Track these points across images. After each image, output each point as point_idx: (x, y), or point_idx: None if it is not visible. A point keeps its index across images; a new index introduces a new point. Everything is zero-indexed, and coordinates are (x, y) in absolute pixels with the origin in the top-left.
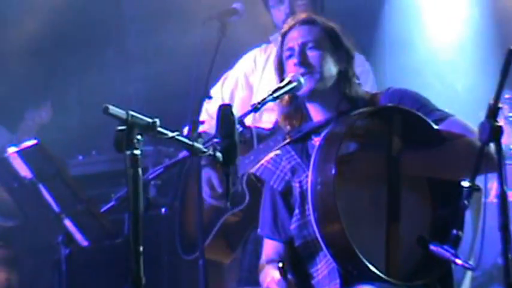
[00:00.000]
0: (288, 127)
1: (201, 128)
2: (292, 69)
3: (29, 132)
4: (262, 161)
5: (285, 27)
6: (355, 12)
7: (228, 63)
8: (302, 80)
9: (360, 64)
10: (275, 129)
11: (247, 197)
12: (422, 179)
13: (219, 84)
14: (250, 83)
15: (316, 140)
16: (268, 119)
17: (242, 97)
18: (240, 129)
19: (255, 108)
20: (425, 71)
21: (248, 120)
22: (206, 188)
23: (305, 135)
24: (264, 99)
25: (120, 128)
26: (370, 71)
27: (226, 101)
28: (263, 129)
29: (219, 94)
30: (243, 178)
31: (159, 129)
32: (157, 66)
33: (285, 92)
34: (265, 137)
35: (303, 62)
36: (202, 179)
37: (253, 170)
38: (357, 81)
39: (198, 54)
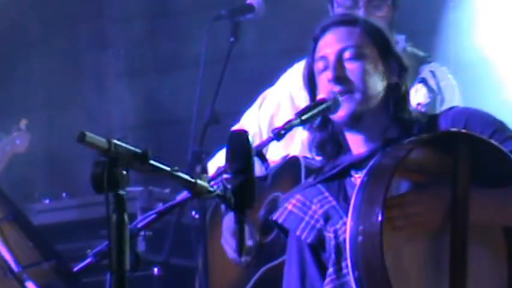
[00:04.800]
0: (325, 157)
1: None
2: (325, 87)
3: None
4: (286, 204)
5: (317, 29)
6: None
7: (246, 77)
8: (339, 99)
9: (443, 77)
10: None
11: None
12: (496, 228)
13: (254, 107)
14: (296, 105)
15: (357, 177)
16: None
17: None
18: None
19: (278, 135)
20: (499, 89)
21: (296, 150)
22: (230, 239)
23: (342, 170)
24: (289, 122)
25: (99, 161)
26: (456, 87)
27: (264, 130)
28: (314, 160)
29: (255, 120)
30: None
31: (151, 162)
32: (148, 82)
33: (315, 115)
34: (316, 170)
35: (340, 77)
36: (224, 227)
37: (274, 216)
38: (410, 100)
39: (203, 65)
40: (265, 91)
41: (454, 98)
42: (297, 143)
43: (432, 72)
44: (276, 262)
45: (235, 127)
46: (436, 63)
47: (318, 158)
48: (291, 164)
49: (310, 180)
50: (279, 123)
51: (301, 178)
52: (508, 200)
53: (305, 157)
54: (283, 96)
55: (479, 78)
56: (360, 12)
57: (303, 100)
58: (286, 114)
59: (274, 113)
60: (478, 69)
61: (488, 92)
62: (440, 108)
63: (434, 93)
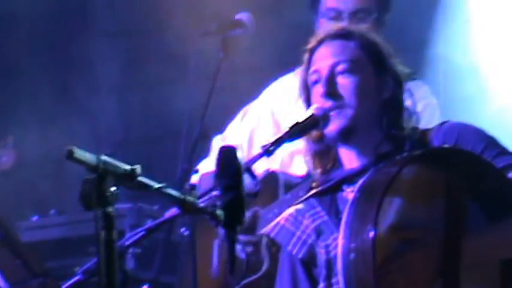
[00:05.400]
0: (319, 170)
1: (195, 178)
2: (317, 100)
3: None
4: (279, 219)
5: (313, 41)
6: (402, 30)
7: (235, 93)
8: (328, 115)
9: (424, 96)
10: (309, 176)
11: (266, 264)
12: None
13: (236, 120)
14: (277, 119)
15: (349, 192)
16: (300, 163)
17: (265, 138)
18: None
19: (268, 151)
20: (491, 105)
21: (275, 165)
22: (215, 258)
23: (334, 185)
24: (279, 138)
25: (88, 178)
26: (437, 106)
27: (244, 143)
28: (293, 176)
29: (236, 134)
30: (263, 238)
31: (140, 179)
32: (137, 97)
33: (304, 131)
34: (296, 186)
35: (331, 92)
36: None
37: (267, 230)
38: (403, 115)
39: (192, 81)
40: (248, 105)
41: (433, 118)
42: (277, 159)
43: (409, 91)
44: (253, 277)
45: (217, 138)
46: (419, 81)
47: (298, 172)
48: (270, 179)
49: (288, 196)
50: (258, 137)
51: (280, 193)
52: (508, 235)
53: (284, 173)
54: (264, 111)
55: (469, 92)
56: (345, 24)
57: (284, 115)
58: (266, 129)
59: (255, 128)
60: (468, 83)
61: (478, 105)
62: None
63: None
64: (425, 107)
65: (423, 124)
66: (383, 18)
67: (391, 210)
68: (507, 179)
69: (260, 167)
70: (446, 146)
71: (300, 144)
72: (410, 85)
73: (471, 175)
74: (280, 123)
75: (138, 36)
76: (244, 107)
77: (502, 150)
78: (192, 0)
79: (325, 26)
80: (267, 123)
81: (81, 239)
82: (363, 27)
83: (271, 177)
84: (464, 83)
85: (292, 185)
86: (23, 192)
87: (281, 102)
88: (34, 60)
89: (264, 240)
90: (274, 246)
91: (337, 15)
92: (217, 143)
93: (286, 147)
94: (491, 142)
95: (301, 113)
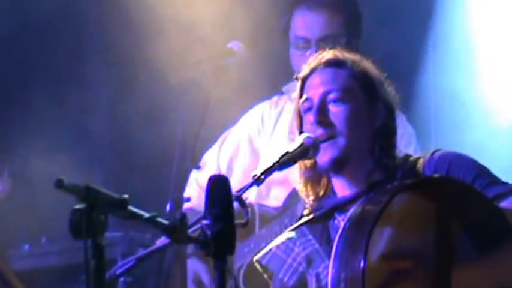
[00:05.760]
0: (311, 197)
1: (186, 205)
2: (309, 128)
3: None
4: (271, 246)
5: (305, 69)
6: (393, 58)
7: (224, 121)
8: (318, 145)
9: (401, 125)
10: (285, 208)
11: None
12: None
13: (215, 147)
14: (255, 147)
15: (341, 220)
16: (277, 195)
17: (244, 167)
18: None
19: (258, 180)
20: (481, 131)
21: (251, 196)
22: (192, 286)
23: (326, 213)
24: (269, 168)
25: (78, 207)
26: (414, 135)
27: (223, 171)
28: (269, 207)
29: (215, 161)
30: (239, 272)
31: (131, 208)
32: (128, 128)
33: (294, 160)
34: (272, 218)
35: (322, 120)
36: (188, 274)
37: (259, 257)
38: (396, 143)
39: (183, 109)
40: (226, 131)
41: (410, 147)
42: (254, 190)
43: None
44: None
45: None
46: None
47: (275, 203)
48: None
49: (263, 232)
50: (237, 166)
51: (256, 226)
52: (498, 266)
53: (260, 204)
54: (242, 138)
55: (460, 118)
56: (312, 51)
57: (261, 143)
58: (244, 157)
59: (233, 155)
60: (460, 109)
61: (468, 132)
62: None
63: None
64: (402, 136)
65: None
66: (353, 43)
67: (382, 239)
68: (498, 209)
69: None
70: (437, 175)
71: (276, 175)
72: None
73: (462, 205)
74: (258, 151)
75: (130, 64)
76: (222, 135)
77: (492, 180)
78: (184, 30)
79: (296, 56)
80: (245, 152)
81: (73, 267)
82: (355, 56)
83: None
84: (456, 109)
85: (268, 217)
86: (14, 221)
87: (258, 129)
88: (25, 89)
89: (242, 273)
90: (266, 273)
91: (305, 43)
92: (194, 174)
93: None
94: (482, 172)
95: (293, 142)
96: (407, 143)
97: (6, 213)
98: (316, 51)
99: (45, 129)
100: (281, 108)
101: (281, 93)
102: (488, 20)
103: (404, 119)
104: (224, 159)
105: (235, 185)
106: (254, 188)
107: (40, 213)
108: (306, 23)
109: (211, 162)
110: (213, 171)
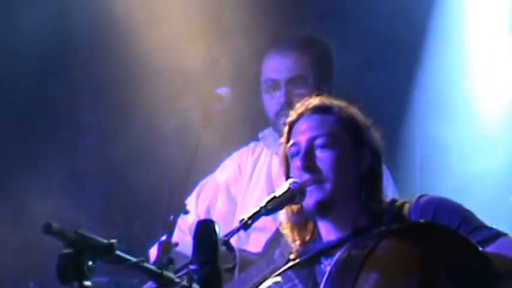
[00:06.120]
0: (297, 242)
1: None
2: (296, 173)
3: None
4: None
5: (293, 114)
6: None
7: (212, 166)
8: (305, 189)
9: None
10: (264, 253)
11: None
12: None
13: (194, 194)
14: (232, 195)
15: (327, 265)
16: (257, 240)
17: (222, 214)
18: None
19: (245, 225)
20: (465, 177)
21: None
22: None
23: (312, 257)
24: (257, 212)
25: (65, 251)
26: (389, 174)
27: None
28: (249, 253)
29: (193, 209)
30: None
31: (118, 253)
32: (117, 172)
33: (281, 205)
34: (251, 262)
35: (309, 166)
36: None
37: None
38: (382, 188)
39: (172, 154)
40: (205, 179)
41: (387, 183)
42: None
43: None
44: None
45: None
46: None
47: (255, 249)
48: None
49: (243, 276)
50: (216, 213)
51: (235, 271)
52: None
53: (240, 249)
54: (220, 186)
55: (445, 166)
56: (282, 92)
57: (238, 189)
58: (222, 204)
59: (211, 203)
60: (445, 158)
61: (453, 178)
62: None
63: None
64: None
65: None
66: (323, 83)
67: (368, 284)
68: (483, 254)
69: None
70: (423, 220)
71: (257, 221)
72: None
73: (448, 250)
74: (236, 199)
75: (119, 110)
76: (200, 182)
77: (478, 225)
78: (174, 76)
79: (267, 99)
80: (223, 199)
81: None
82: (341, 102)
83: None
84: (441, 158)
85: (247, 262)
86: (1, 265)
87: (235, 177)
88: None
89: None
90: None
91: (274, 85)
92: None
93: None
94: (467, 216)
95: (264, 192)
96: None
97: None
98: (285, 93)
99: (35, 170)
100: (257, 155)
101: (257, 139)
102: (472, 69)
103: (387, 173)
104: (202, 207)
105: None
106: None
107: (27, 257)
108: (274, 65)
109: (191, 210)
110: (193, 219)
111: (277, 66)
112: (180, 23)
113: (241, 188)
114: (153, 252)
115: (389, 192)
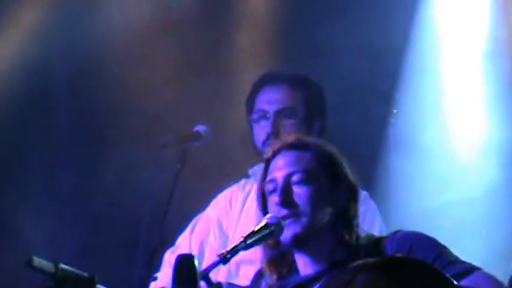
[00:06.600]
0: (275, 276)
1: (154, 286)
2: (273, 209)
3: None
4: None
5: (269, 151)
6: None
7: (193, 202)
8: (283, 224)
9: (364, 202)
10: (252, 286)
11: None
12: None
13: (187, 232)
14: (224, 230)
15: None
16: (246, 273)
17: (215, 249)
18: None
19: (224, 259)
20: (438, 213)
21: (220, 275)
22: None
23: None
24: (235, 247)
25: (47, 285)
26: (377, 210)
27: (196, 254)
28: (239, 286)
29: (187, 245)
30: None
31: (99, 286)
32: (97, 207)
33: (259, 239)
34: None
35: (286, 201)
36: None
37: None
38: (358, 223)
39: (151, 191)
40: (197, 216)
41: (375, 221)
42: (224, 268)
43: None
44: None
45: (169, 251)
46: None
47: (245, 282)
48: None
49: None
50: (209, 249)
51: None
52: None
53: (229, 283)
54: (212, 222)
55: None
56: (269, 122)
57: (229, 225)
58: (215, 239)
59: (204, 239)
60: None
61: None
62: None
63: None
64: (366, 212)
65: (366, 228)
66: (315, 120)
67: None
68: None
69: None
70: (399, 255)
71: (246, 253)
72: None
73: (423, 284)
74: (228, 233)
75: (97, 145)
76: (194, 219)
77: (453, 259)
78: (151, 113)
79: (256, 130)
80: (215, 234)
81: None
82: (318, 139)
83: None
84: (417, 193)
85: None
86: None
87: (226, 212)
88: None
89: None
90: None
91: (263, 114)
92: (168, 256)
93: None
94: (442, 251)
95: (257, 222)
96: (372, 217)
97: None
98: (272, 122)
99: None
100: (247, 191)
101: (248, 176)
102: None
103: (366, 195)
104: (196, 243)
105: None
106: (225, 268)
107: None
108: (266, 98)
109: (184, 246)
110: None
111: (269, 98)
112: (157, 63)
113: (232, 223)
114: (153, 286)
115: (376, 228)
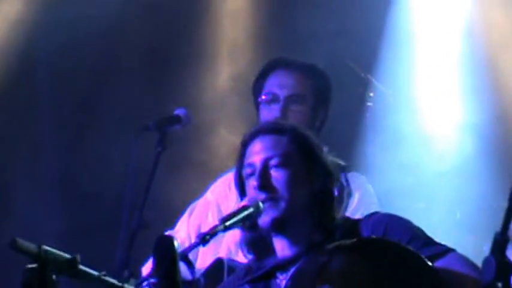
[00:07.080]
0: (253, 258)
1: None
2: (252, 193)
3: None
4: None
5: (246, 135)
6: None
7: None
8: (261, 206)
9: (360, 185)
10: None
11: None
12: None
13: (185, 215)
14: (222, 211)
15: (282, 279)
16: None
17: None
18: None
19: (203, 240)
20: (415, 194)
21: (222, 252)
22: None
23: (268, 272)
24: (213, 228)
25: (30, 266)
26: (373, 195)
27: (193, 237)
28: (238, 262)
29: (185, 229)
30: None
31: (81, 267)
32: (78, 190)
33: (238, 221)
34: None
35: (264, 185)
36: None
37: None
38: (335, 206)
39: (132, 174)
40: (195, 202)
41: (372, 205)
42: (224, 248)
43: (346, 181)
44: None
45: (168, 233)
46: (355, 172)
47: (244, 260)
48: (216, 265)
49: (232, 278)
50: (206, 228)
51: (225, 278)
52: None
53: (229, 259)
54: (211, 204)
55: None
56: (279, 106)
57: (229, 206)
58: (213, 220)
59: (202, 221)
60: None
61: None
62: (354, 215)
63: (340, 203)
64: (363, 196)
65: (362, 211)
66: (320, 108)
67: None
68: (432, 269)
69: (209, 255)
70: (374, 236)
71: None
72: (347, 176)
73: (398, 265)
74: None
75: (78, 130)
76: (192, 204)
77: (427, 241)
78: (131, 97)
79: (264, 111)
80: (214, 216)
81: None
82: (294, 123)
83: (218, 263)
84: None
85: (235, 268)
86: None
87: (225, 195)
88: None
89: None
90: None
91: (274, 98)
92: None
93: (233, 237)
94: (417, 233)
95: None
96: (368, 201)
97: None
98: (282, 107)
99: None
100: None
101: None
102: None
103: (364, 180)
104: (193, 226)
105: (204, 251)
106: (225, 246)
107: None
108: (279, 81)
109: (182, 230)
110: (184, 237)
111: (280, 82)
112: (136, 46)
113: (231, 205)
114: (145, 269)
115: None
